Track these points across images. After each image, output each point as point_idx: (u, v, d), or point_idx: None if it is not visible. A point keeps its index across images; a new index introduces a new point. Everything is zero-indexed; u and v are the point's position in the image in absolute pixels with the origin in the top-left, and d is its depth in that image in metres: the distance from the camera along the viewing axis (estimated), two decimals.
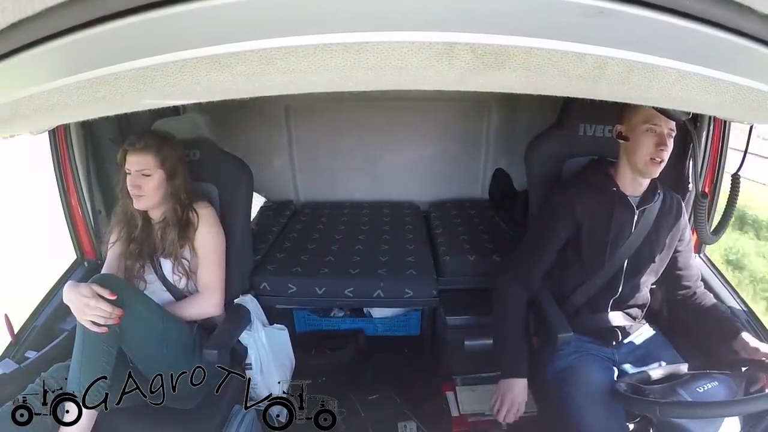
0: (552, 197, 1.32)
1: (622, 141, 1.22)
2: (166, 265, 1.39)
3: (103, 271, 1.39)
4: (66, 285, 1.18)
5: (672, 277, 1.33)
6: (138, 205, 1.34)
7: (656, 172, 1.20)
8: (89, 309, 1.12)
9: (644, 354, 1.28)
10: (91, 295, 1.13)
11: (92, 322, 1.13)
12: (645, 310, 1.36)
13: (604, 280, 1.28)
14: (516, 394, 1.22)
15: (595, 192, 1.26)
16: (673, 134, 1.17)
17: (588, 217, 1.25)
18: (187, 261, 1.38)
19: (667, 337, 1.35)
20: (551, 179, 1.46)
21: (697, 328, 1.30)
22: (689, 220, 1.35)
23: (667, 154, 1.16)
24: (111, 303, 1.14)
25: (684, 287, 1.32)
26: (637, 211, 1.24)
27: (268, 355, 1.47)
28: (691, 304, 1.30)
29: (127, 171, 1.33)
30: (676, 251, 1.30)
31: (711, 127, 1.52)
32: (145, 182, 1.31)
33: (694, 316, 1.29)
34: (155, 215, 1.40)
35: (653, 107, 1.13)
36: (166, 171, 1.34)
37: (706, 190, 1.53)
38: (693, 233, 1.40)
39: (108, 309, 1.13)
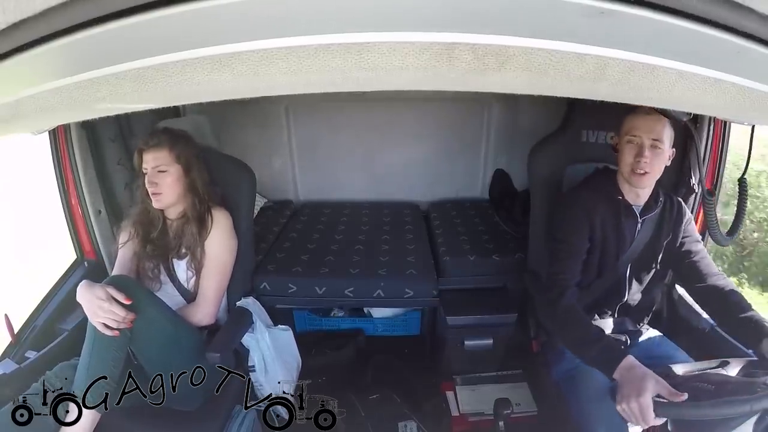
0: (569, 203, 1.30)
1: (615, 153, 1.24)
2: (180, 265, 1.39)
3: (114, 272, 1.38)
4: (81, 284, 1.18)
5: (684, 268, 1.28)
6: (157, 204, 1.33)
7: (642, 184, 1.20)
8: (103, 311, 1.12)
9: (655, 358, 1.28)
10: (105, 298, 1.12)
11: (104, 324, 1.13)
12: (651, 314, 1.36)
13: (605, 287, 1.29)
14: (635, 377, 0.98)
15: (604, 199, 1.26)
16: (660, 145, 1.15)
17: (599, 222, 1.25)
18: (198, 261, 1.39)
19: (669, 337, 1.34)
20: (553, 184, 1.46)
21: (721, 324, 1.25)
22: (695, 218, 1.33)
23: (648, 166, 1.16)
24: (125, 307, 1.14)
25: (700, 274, 1.25)
26: (640, 220, 1.25)
27: (273, 356, 1.47)
28: (714, 297, 1.21)
29: (144, 170, 1.33)
30: (680, 243, 1.28)
31: (711, 128, 1.53)
32: (161, 179, 1.31)
33: (718, 310, 1.22)
34: (172, 213, 1.40)
35: (654, 108, 1.13)
36: (182, 166, 1.33)
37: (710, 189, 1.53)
38: (696, 224, 1.37)
39: (122, 313, 1.13)
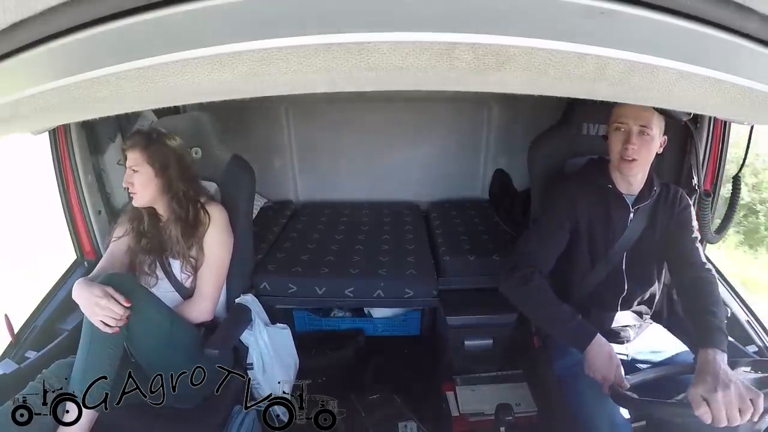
0: (553, 192, 1.32)
1: (605, 141, 1.24)
2: (175, 264, 1.40)
3: (101, 264, 1.38)
4: (77, 282, 1.18)
5: (672, 256, 1.28)
6: (134, 202, 1.36)
7: (631, 171, 1.20)
8: (100, 309, 1.13)
9: (657, 352, 1.28)
10: (103, 295, 1.13)
11: (102, 322, 1.13)
12: (653, 308, 1.36)
13: (601, 278, 1.29)
14: (602, 353, 1.10)
15: (594, 189, 1.27)
16: (648, 131, 1.15)
17: (586, 212, 1.26)
18: (194, 259, 1.39)
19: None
20: (553, 177, 1.46)
21: (688, 319, 1.24)
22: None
23: (637, 152, 1.16)
24: (117, 298, 1.15)
25: (684, 265, 1.25)
26: (632, 210, 1.25)
27: (271, 355, 1.47)
28: (688, 289, 1.22)
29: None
30: (672, 232, 1.28)
31: (711, 127, 1.53)
32: (135, 178, 1.33)
33: (687, 302, 1.23)
34: (163, 213, 1.40)
35: (655, 108, 1.13)
36: (155, 167, 1.34)
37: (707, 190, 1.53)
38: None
39: (120, 311, 1.14)
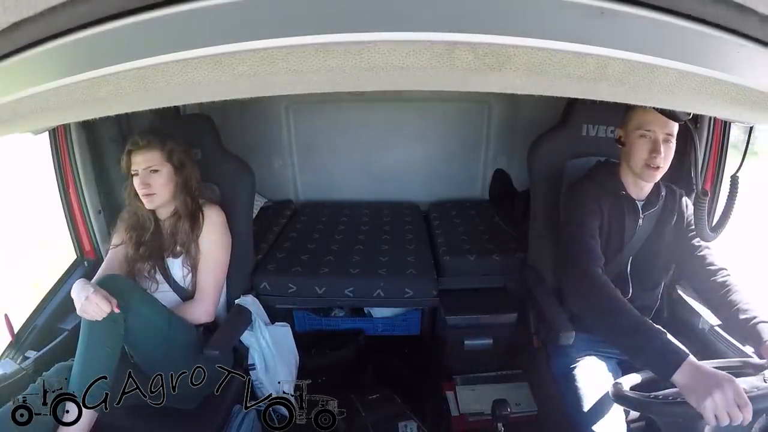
0: (578, 194, 1.29)
1: (620, 146, 1.23)
2: (175, 264, 1.40)
3: (100, 273, 1.38)
4: (76, 282, 1.19)
5: (689, 262, 1.27)
6: (150, 204, 1.34)
7: (654, 178, 1.20)
8: (88, 300, 1.12)
9: None
10: (93, 290, 1.13)
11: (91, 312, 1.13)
12: (654, 310, 1.36)
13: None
14: (703, 376, 0.88)
15: (607, 193, 1.26)
16: (672, 139, 1.16)
17: (605, 214, 1.25)
18: (193, 257, 1.39)
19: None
20: (553, 179, 1.46)
21: (724, 322, 1.23)
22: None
23: (663, 160, 1.16)
24: (109, 299, 1.14)
25: (705, 270, 1.23)
26: (642, 216, 1.25)
27: (273, 354, 1.47)
28: (716, 295, 1.19)
29: (134, 172, 1.33)
30: (686, 238, 1.27)
31: (711, 127, 1.53)
32: (154, 179, 1.31)
33: (720, 308, 1.20)
34: (163, 213, 1.40)
35: (655, 108, 1.13)
36: (174, 164, 1.34)
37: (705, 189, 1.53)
38: None
39: (105, 308, 1.12)
